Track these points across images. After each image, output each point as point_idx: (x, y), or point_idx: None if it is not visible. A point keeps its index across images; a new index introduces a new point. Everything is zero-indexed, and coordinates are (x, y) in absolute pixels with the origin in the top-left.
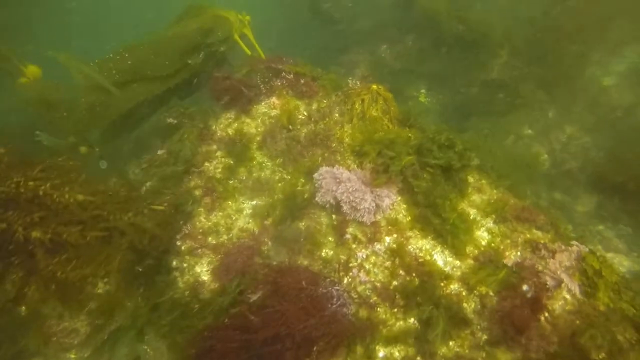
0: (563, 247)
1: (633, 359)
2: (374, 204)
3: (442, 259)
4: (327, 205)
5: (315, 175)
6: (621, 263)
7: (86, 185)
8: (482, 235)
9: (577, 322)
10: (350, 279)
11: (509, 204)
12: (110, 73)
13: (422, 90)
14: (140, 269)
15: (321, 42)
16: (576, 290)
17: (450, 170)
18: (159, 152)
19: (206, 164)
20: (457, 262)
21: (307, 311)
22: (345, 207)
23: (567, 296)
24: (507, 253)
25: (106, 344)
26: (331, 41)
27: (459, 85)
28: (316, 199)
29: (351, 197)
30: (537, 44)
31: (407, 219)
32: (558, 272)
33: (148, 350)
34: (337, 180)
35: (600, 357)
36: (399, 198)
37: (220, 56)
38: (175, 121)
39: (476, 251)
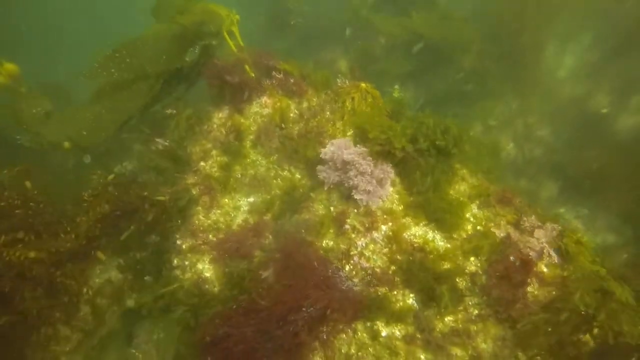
0: (540, 224)
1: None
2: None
3: (436, 238)
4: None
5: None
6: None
7: None
8: (470, 219)
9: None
10: (352, 266)
11: (490, 190)
12: (110, 72)
13: (396, 86)
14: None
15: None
16: (555, 258)
17: (446, 155)
18: (154, 146)
19: (202, 163)
20: (451, 242)
21: (321, 288)
22: (354, 178)
23: (549, 262)
24: (493, 231)
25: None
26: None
27: (429, 80)
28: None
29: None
30: (498, 38)
31: (400, 208)
32: (540, 244)
33: (137, 354)
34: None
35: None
36: (392, 189)
37: (211, 51)
38: (171, 111)
39: (468, 231)
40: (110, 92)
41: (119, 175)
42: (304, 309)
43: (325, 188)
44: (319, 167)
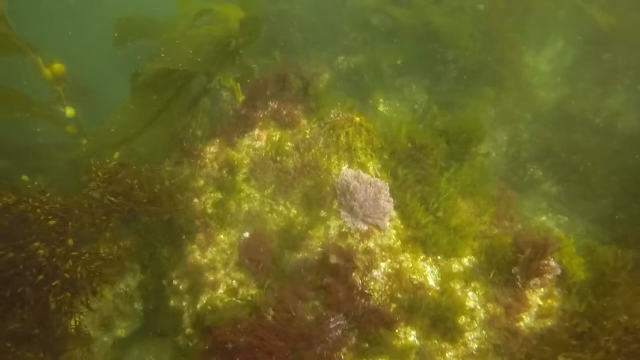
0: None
1: None
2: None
3: (435, 273)
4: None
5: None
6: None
7: None
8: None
9: None
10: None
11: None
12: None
13: (380, 100)
14: None
15: None
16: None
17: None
18: None
19: (195, 200)
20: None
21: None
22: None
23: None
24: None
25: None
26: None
27: (414, 91)
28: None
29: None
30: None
31: (399, 243)
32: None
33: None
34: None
35: None
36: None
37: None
38: None
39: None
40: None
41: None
42: None
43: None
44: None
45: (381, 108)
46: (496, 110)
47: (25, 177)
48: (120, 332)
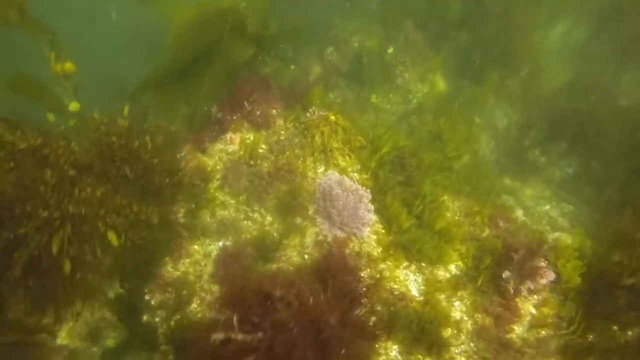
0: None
1: None
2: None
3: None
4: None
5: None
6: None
7: None
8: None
9: None
10: None
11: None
12: None
13: (373, 92)
14: None
15: None
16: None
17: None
18: None
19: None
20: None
21: None
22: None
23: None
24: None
25: None
26: None
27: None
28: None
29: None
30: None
31: (379, 250)
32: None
33: None
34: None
35: None
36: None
37: None
38: None
39: (451, 271)
40: None
41: None
42: None
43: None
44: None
45: (374, 100)
46: (498, 94)
47: (50, 116)
48: (109, 342)
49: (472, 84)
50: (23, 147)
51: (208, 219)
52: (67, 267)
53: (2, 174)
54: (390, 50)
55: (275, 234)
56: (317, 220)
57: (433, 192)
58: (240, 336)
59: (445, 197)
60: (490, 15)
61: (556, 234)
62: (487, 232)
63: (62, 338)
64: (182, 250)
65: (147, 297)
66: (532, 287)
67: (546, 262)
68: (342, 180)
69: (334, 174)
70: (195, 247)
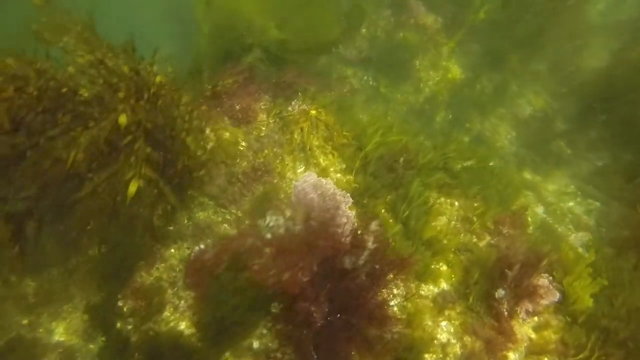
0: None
1: None
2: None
3: None
4: None
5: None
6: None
7: None
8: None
9: None
10: None
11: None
12: None
13: (382, 84)
14: None
15: None
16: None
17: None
18: None
19: (140, 210)
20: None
21: None
22: None
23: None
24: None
25: None
26: None
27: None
28: None
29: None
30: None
31: None
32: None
33: None
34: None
35: None
36: None
37: None
38: None
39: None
40: None
41: None
42: None
43: None
44: None
45: (383, 89)
46: (521, 80)
47: None
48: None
49: (490, 69)
50: None
51: (185, 221)
52: None
53: None
54: (400, 34)
55: (249, 239)
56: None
57: (422, 195)
58: None
59: (442, 199)
60: None
61: (580, 234)
62: (486, 239)
63: (59, 334)
64: (157, 254)
65: (120, 304)
66: (530, 308)
67: (550, 277)
68: (318, 183)
69: (310, 176)
70: (172, 250)
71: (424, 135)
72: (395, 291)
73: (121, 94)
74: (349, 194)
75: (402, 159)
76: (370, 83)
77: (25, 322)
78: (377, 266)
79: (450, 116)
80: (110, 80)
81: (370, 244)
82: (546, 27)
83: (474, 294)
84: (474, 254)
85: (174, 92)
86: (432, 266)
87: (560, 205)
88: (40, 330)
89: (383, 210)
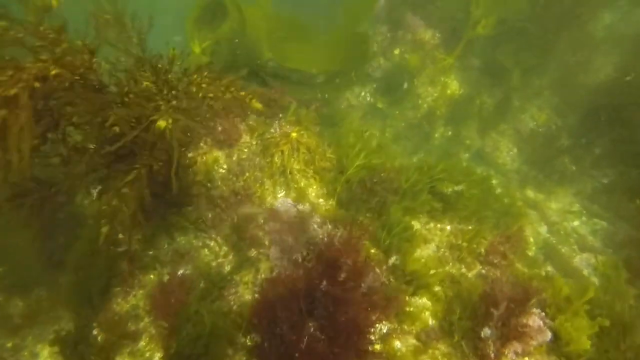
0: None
1: None
2: None
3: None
4: None
5: None
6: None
7: None
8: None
9: None
10: None
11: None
12: None
13: (379, 100)
14: None
15: None
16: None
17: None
18: None
19: (120, 235)
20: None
21: None
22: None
23: None
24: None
25: None
26: None
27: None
28: None
29: None
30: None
31: None
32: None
33: None
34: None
35: None
36: None
37: None
38: None
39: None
40: None
41: None
42: None
43: None
44: None
45: (380, 105)
46: (523, 94)
47: None
48: None
49: (491, 84)
50: None
51: (165, 246)
52: None
53: None
54: (397, 51)
55: (228, 265)
56: (271, 254)
57: (401, 222)
58: None
59: (432, 224)
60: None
61: (585, 255)
62: (476, 269)
63: (44, 358)
64: (134, 279)
65: (94, 332)
66: (519, 349)
67: (542, 313)
68: (289, 209)
69: (286, 202)
70: (151, 276)
71: (423, 153)
72: (377, 326)
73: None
74: (327, 220)
75: (381, 182)
76: (368, 99)
77: (9, 345)
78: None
79: (450, 132)
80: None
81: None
82: (550, 40)
83: (459, 331)
84: (463, 287)
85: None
86: (417, 299)
87: (564, 225)
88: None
89: (367, 242)
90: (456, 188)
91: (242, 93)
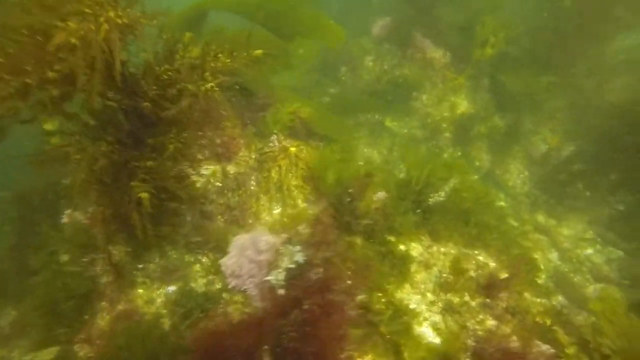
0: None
1: None
2: None
3: None
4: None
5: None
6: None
7: None
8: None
9: None
10: None
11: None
12: None
13: (388, 118)
14: None
15: None
16: None
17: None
18: None
19: (110, 246)
20: None
21: None
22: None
23: None
24: None
25: None
26: None
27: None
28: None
29: None
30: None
31: None
32: None
33: None
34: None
35: None
36: None
37: None
38: None
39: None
40: None
41: None
42: None
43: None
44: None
45: (388, 123)
46: (534, 115)
47: None
48: None
49: (503, 105)
50: None
51: (157, 260)
52: None
53: None
54: (406, 70)
55: (218, 285)
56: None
57: (386, 275)
58: None
59: (435, 248)
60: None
61: (599, 286)
62: (471, 308)
63: None
64: (121, 295)
65: (76, 348)
66: None
67: None
68: (256, 240)
69: (242, 237)
70: (140, 291)
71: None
72: None
73: None
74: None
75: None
76: (376, 117)
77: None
78: None
79: (459, 153)
80: None
81: None
82: (565, 62)
83: None
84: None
85: None
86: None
87: (576, 252)
88: None
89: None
90: (438, 196)
91: None
